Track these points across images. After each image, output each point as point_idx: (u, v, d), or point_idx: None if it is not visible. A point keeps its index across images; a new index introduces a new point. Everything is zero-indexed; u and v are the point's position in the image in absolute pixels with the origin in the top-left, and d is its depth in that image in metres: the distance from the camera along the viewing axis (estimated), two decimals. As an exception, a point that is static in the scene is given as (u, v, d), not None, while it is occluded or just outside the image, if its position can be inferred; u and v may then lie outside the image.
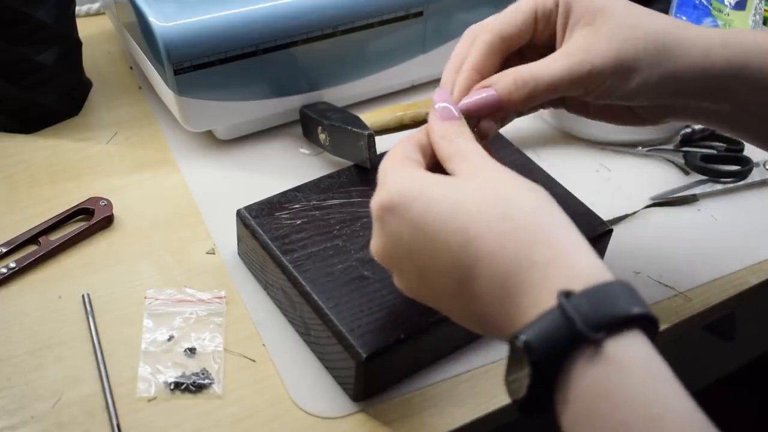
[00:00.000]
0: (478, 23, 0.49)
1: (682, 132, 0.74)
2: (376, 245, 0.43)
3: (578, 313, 0.34)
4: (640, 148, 0.73)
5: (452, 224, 0.39)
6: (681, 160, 0.72)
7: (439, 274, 0.40)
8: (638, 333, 0.35)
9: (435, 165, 0.45)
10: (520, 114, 0.53)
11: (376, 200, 0.42)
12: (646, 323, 0.36)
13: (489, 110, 0.46)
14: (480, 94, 0.46)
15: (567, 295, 0.35)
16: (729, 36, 0.47)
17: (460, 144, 0.44)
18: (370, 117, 0.68)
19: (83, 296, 0.56)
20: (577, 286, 0.35)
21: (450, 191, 0.40)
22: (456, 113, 0.45)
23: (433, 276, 0.41)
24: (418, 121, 0.69)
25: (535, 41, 0.49)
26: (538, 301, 0.36)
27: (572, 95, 0.48)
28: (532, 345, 0.35)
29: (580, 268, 0.37)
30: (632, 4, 0.48)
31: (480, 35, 0.48)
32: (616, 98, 0.48)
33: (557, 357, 0.34)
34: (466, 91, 0.47)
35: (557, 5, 0.48)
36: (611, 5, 0.47)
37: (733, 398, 1.14)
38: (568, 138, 0.74)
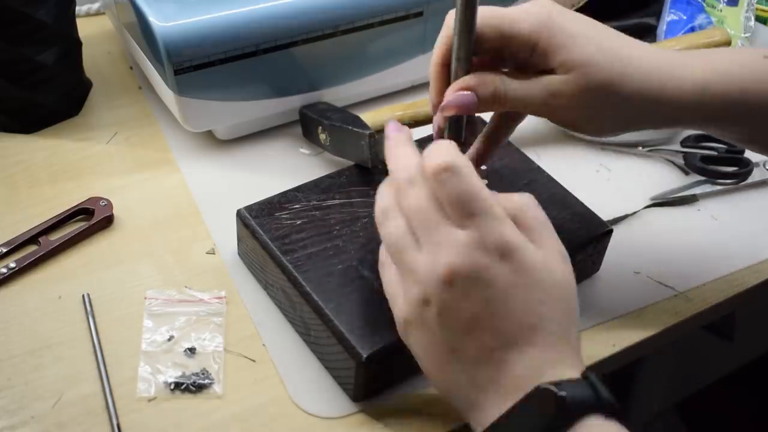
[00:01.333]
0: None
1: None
2: (460, 266, 0.40)
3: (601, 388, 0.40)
4: (640, 148, 0.73)
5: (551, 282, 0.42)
6: (681, 161, 0.72)
7: (498, 324, 0.41)
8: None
9: None
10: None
11: (496, 234, 0.41)
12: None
13: (467, 110, 0.48)
14: (462, 96, 0.48)
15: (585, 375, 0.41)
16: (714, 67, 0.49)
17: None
18: (370, 117, 0.68)
19: (83, 296, 0.56)
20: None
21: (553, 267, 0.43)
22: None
23: (488, 326, 0.41)
24: (418, 121, 0.69)
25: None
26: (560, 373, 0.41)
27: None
28: (566, 400, 0.39)
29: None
30: (610, 41, 0.48)
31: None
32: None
33: (579, 412, 0.39)
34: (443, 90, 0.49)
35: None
36: (589, 45, 0.47)
37: (733, 398, 1.13)
38: (568, 138, 0.74)
